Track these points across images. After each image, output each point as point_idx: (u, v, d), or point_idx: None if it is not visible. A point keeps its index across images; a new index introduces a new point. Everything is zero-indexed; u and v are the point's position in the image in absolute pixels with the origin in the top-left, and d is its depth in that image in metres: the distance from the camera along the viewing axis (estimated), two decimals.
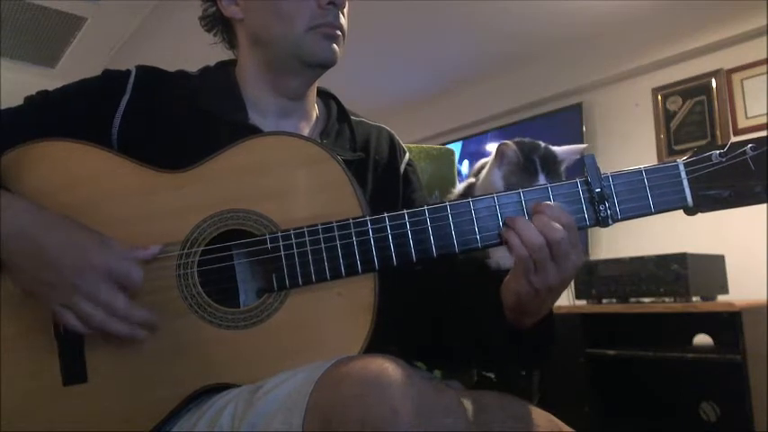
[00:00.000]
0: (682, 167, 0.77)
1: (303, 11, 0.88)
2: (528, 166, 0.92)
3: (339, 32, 0.91)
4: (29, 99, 0.90)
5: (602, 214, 0.76)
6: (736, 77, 2.76)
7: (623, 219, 0.77)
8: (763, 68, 2.65)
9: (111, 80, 0.91)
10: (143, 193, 0.81)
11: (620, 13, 2.91)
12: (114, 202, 0.81)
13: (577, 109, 3.24)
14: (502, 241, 0.76)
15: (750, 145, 0.75)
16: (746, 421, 2.05)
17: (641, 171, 0.77)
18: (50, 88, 0.90)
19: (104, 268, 0.73)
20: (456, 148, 3.63)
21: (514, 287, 0.77)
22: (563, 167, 0.94)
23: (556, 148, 0.95)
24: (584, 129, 3.18)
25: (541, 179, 0.91)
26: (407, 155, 1.07)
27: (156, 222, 0.80)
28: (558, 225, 0.73)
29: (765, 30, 2.62)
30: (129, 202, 0.81)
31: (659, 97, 3.00)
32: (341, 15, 0.91)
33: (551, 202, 0.76)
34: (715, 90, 2.80)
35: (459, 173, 1.36)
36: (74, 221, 0.77)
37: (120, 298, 0.73)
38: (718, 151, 0.76)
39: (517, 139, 0.95)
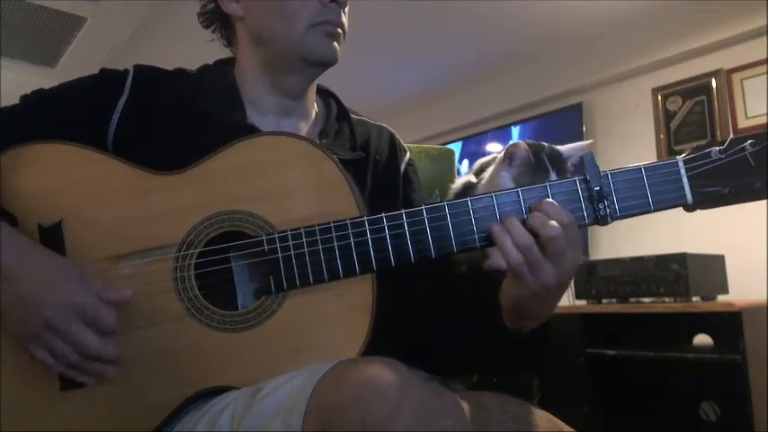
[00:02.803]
0: (681, 164, 0.76)
1: (305, 9, 0.88)
2: (539, 165, 0.91)
3: (340, 31, 0.91)
4: (24, 98, 0.89)
5: (601, 212, 0.75)
6: (736, 77, 2.75)
7: (622, 217, 0.76)
8: (763, 68, 2.64)
9: (108, 80, 0.90)
10: (139, 196, 0.81)
11: (620, 13, 2.90)
12: (110, 205, 0.80)
13: (577, 109, 3.24)
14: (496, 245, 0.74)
15: (749, 141, 0.74)
16: (746, 421, 2.05)
17: (641, 169, 0.76)
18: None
19: (77, 308, 0.72)
20: (456, 148, 3.62)
21: (512, 290, 0.76)
22: (569, 164, 0.94)
23: (559, 147, 0.95)
24: (584, 129, 3.18)
25: (553, 177, 0.90)
26: (408, 154, 1.06)
27: (152, 224, 0.79)
28: (553, 222, 0.70)
29: (765, 30, 2.61)
30: (124, 205, 0.80)
31: (659, 97, 2.99)
32: (342, 14, 0.91)
33: (551, 200, 0.74)
34: (715, 90, 2.79)
35: (459, 173, 1.36)
36: (53, 255, 0.76)
37: (91, 338, 0.73)
38: (717, 148, 0.75)
39: (526, 140, 0.95)
